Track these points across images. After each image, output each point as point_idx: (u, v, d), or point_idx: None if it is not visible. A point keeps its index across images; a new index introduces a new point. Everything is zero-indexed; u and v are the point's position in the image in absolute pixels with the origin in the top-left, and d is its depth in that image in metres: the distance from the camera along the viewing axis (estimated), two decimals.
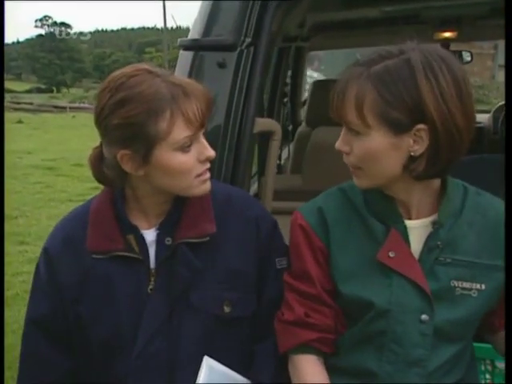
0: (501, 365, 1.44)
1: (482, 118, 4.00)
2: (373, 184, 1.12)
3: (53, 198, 7.40)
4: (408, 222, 1.12)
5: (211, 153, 1.13)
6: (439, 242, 1.11)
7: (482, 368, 1.45)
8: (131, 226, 1.18)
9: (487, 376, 1.46)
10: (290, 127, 3.64)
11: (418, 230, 1.12)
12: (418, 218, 1.12)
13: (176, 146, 1.09)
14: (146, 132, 1.06)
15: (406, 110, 1.01)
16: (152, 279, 1.17)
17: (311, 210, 1.19)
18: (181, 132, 1.08)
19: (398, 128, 1.02)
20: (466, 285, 1.11)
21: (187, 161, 1.10)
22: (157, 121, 1.06)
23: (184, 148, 1.09)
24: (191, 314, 1.17)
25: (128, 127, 1.07)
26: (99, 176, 1.17)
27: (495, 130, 3.81)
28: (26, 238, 5.51)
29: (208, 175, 1.15)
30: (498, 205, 1.16)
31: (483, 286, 1.12)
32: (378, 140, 1.04)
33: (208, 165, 1.15)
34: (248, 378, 1.21)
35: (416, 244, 1.12)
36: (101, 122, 1.10)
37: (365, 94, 1.03)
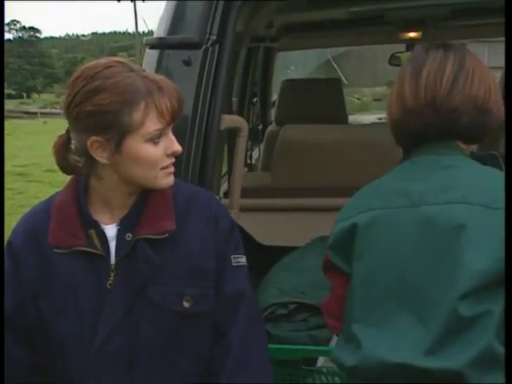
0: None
1: None
2: None
3: (24, 205, 7.30)
4: None
5: (178, 147, 1.18)
6: None
7: None
8: (92, 221, 1.20)
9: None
10: (260, 127, 3.67)
11: None
12: None
13: (147, 137, 1.13)
14: (119, 121, 1.11)
15: None
16: (112, 275, 1.18)
17: None
18: (153, 124, 1.12)
19: None
20: None
21: (155, 153, 1.14)
22: (131, 111, 1.11)
23: (154, 140, 1.14)
24: (150, 309, 1.18)
25: (101, 115, 1.10)
26: (63, 164, 1.19)
27: None
28: None
29: (173, 169, 1.19)
30: None
31: None
32: None
33: (173, 159, 1.18)
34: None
35: None
36: (72, 109, 1.12)
37: None
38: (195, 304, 1.20)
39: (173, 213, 1.21)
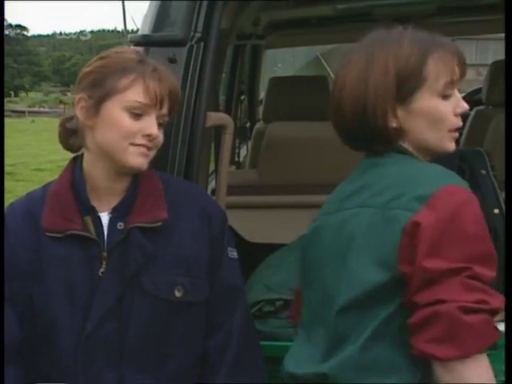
0: None
1: None
2: None
3: None
4: None
5: (155, 132, 1.19)
6: None
7: None
8: (90, 206, 1.22)
9: None
10: (248, 124, 3.67)
11: None
12: None
13: (126, 104, 1.18)
14: (105, 83, 1.19)
15: None
16: (104, 262, 1.19)
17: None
18: (135, 95, 1.18)
19: None
20: None
21: (130, 125, 1.18)
22: (119, 78, 1.19)
23: (132, 113, 1.18)
24: (142, 298, 1.20)
25: (92, 75, 1.21)
26: (64, 138, 1.27)
27: None
28: None
29: (147, 151, 1.20)
30: None
31: None
32: None
33: (150, 143, 1.20)
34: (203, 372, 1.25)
35: None
36: (80, 76, 1.24)
37: None
38: (187, 293, 1.22)
39: (164, 203, 1.23)
